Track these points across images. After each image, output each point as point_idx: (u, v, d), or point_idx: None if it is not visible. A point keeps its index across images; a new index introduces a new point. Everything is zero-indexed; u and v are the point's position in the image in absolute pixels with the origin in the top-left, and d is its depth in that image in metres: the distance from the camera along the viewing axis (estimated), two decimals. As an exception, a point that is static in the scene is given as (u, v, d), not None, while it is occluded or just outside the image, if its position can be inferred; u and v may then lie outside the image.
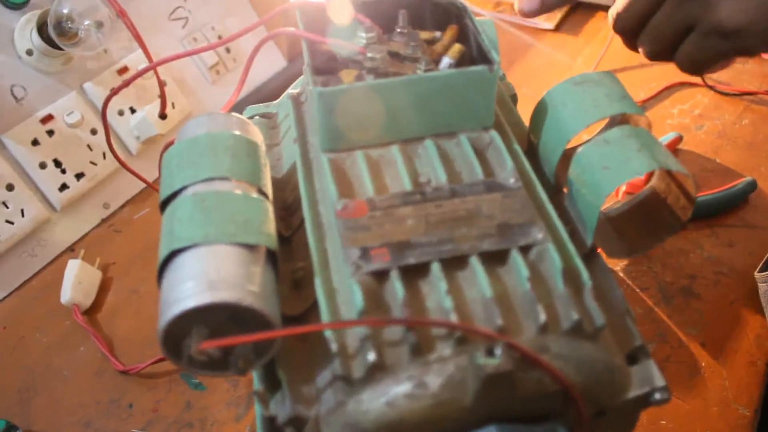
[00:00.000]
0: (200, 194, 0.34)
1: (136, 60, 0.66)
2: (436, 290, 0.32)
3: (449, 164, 0.37)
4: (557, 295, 0.32)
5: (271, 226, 0.34)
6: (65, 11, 0.59)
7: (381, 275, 0.32)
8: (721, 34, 0.40)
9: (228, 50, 0.72)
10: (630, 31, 0.46)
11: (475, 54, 0.40)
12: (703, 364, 0.53)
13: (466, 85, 0.37)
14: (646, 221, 0.39)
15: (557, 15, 0.80)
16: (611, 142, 0.36)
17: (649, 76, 0.75)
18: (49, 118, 0.62)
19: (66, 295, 0.58)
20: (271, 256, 0.33)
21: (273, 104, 0.45)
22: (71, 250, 0.63)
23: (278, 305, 0.32)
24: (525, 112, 0.45)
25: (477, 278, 0.32)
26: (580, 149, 0.37)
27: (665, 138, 0.67)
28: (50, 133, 0.62)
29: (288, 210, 0.39)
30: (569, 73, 0.76)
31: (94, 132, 0.64)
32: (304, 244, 0.35)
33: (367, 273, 0.32)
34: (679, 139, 0.68)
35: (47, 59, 0.62)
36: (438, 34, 0.41)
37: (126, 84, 0.44)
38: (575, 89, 0.39)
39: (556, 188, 0.40)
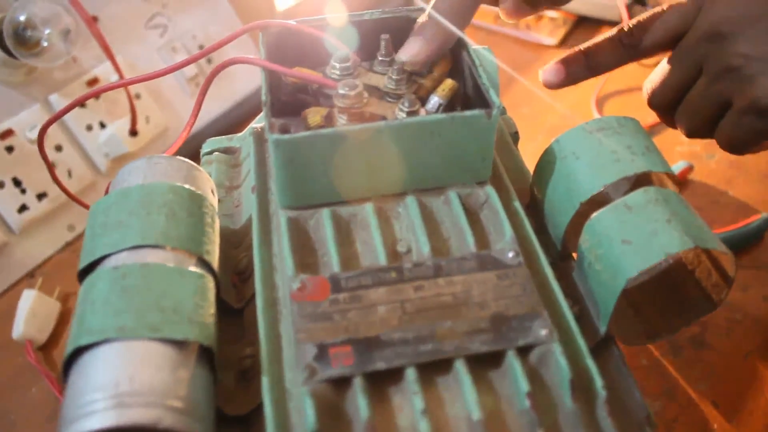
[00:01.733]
0: (122, 269, 0.25)
1: (108, 71, 0.57)
2: (410, 406, 0.23)
3: (435, 229, 0.29)
4: (564, 413, 0.24)
5: (209, 311, 0.25)
6: (22, 18, 0.50)
7: (342, 382, 0.24)
8: (758, 113, 0.33)
9: (209, 60, 0.63)
10: (666, 107, 0.39)
11: (470, 92, 0.31)
12: (716, 426, 0.45)
13: (458, 132, 0.28)
14: (669, 298, 0.31)
15: (561, 30, 0.71)
16: (634, 209, 0.28)
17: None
18: (8, 133, 0.53)
19: (18, 329, 0.49)
20: (207, 354, 0.25)
21: (237, 137, 0.37)
22: (30, 276, 0.55)
23: (212, 418, 0.24)
24: (526, 145, 0.37)
25: (463, 392, 0.23)
26: (594, 215, 0.28)
27: (675, 167, 0.58)
28: (9, 149, 0.53)
29: (241, 275, 0.30)
30: (572, 92, 0.67)
31: (59, 148, 0.55)
32: (257, 321, 0.27)
33: (324, 380, 0.23)
34: (690, 168, 0.59)
35: (7, 69, 0.53)
36: (427, 64, 0.32)
37: (67, 109, 0.35)
38: (590, 138, 0.30)
39: (562, 254, 0.31)
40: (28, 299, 0.50)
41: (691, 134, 0.38)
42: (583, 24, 0.74)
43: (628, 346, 0.38)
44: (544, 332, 0.25)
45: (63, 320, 0.52)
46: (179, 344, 0.24)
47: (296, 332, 0.25)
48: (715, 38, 0.33)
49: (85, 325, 0.24)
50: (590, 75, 0.37)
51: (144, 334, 0.23)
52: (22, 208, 0.53)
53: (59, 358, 0.50)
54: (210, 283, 0.26)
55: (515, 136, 0.36)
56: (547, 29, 0.71)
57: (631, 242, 0.27)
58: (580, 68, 0.36)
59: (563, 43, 0.72)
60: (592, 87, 0.66)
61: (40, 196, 0.54)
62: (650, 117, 0.64)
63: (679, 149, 0.62)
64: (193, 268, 0.26)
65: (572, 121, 0.64)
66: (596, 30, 0.74)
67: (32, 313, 0.50)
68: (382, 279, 0.26)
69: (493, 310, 0.25)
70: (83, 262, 0.27)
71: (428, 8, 0.33)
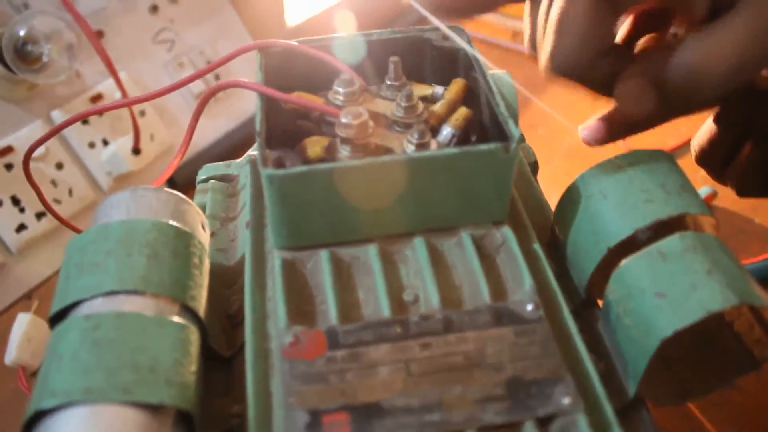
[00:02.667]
0: (94, 318, 0.22)
1: (112, 86, 0.55)
2: (414, 488, 0.20)
3: (445, 275, 0.25)
4: (590, 497, 0.20)
5: (190, 369, 0.22)
6: (22, 33, 0.47)
7: (336, 456, 0.20)
8: None
9: (217, 77, 0.60)
10: (715, 166, 0.35)
11: (486, 121, 0.28)
12: (743, 474, 0.41)
13: (473, 168, 0.24)
14: (704, 353, 0.27)
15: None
16: (669, 257, 0.24)
17: (677, 120, 0.62)
18: (8, 150, 0.50)
19: (11, 355, 0.46)
20: (186, 419, 0.21)
21: (235, 163, 0.33)
22: (27, 298, 0.52)
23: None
24: (542, 168, 0.33)
25: (475, 473, 0.20)
26: (624, 263, 0.25)
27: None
28: (8, 167, 0.50)
29: (232, 319, 0.27)
30: (590, 113, 0.63)
31: (59, 166, 0.52)
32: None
33: (316, 455, 0.20)
34: (714, 195, 0.55)
35: (8, 85, 0.50)
36: (439, 89, 0.29)
37: (55, 131, 0.32)
38: (619, 175, 0.26)
39: (586, 302, 0.27)
40: (23, 323, 0.47)
41: (741, 194, 0.35)
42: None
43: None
44: (567, 400, 0.21)
45: (59, 345, 0.49)
46: (154, 409, 0.20)
47: (286, 395, 0.21)
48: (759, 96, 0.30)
49: (49, 385, 0.21)
50: (632, 133, 0.32)
51: (114, 398, 0.20)
52: (21, 228, 0.51)
53: (53, 385, 0.46)
54: (193, 336, 0.23)
55: (534, 166, 0.33)
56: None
57: (666, 296, 0.23)
58: (621, 127, 0.32)
59: (581, 61, 0.68)
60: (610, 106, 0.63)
61: (40, 215, 0.51)
62: (671, 140, 0.60)
63: (702, 174, 0.58)
64: (175, 318, 0.23)
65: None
66: (615, 48, 0.70)
67: (26, 338, 0.47)
68: (385, 334, 0.23)
69: (510, 374, 0.22)
70: (54, 308, 0.24)
71: (443, 27, 0.29)
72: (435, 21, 0.28)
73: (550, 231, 0.30)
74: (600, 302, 0.28)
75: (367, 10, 0.68)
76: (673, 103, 0.27)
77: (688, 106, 0.27)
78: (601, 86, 0.29)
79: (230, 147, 0.59)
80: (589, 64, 0.27)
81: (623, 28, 0.32)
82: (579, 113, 0.62)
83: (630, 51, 0.31)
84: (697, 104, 0.28)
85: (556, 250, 0.29)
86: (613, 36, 0.28)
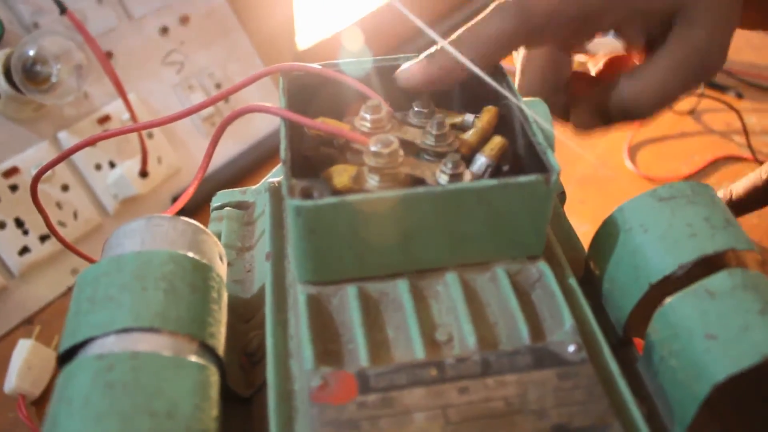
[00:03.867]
0: (108, 358, 0.20)
1: (120, 108, 0.53)
2: None
3: (480, 313, 0.23)
4: None
5: (211, 415, 0.20)
6: (31, 53, 0.46)
7: None
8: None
9: (227, 100, 0.58)
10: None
11: (521, 151, 0.26)
12: None
13: (510, 200, 0.23)
14: (750, 394, 0.26)
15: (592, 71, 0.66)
16: (717, 296, 0.22)
17: (692, 147, 0.61)
18: (13, 171, 0.49)
19: (10, 383, 0.44)
20: (204, 470, 0.20)
21: (251, 190, 0.32)
22: (28, 323, 0.50)
23: None
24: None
25: None
26: (668, 301, 0.23)
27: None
28: (13, 188, 0.48)
29: (251, 357, 0.25)
30: (602, 140, 0.62)
31: (65, 188, 0.51)
32: (268, 416, 0.22)
33: None
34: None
35: (15, 105, 0.49)
36: (469, 117, 0.28)
37: (65, 155, 0.31)
38: (660, 208, 0.25)
39: (623, 340, 0.26)
40: (24, 350, 0.45)
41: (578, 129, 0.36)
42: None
43: None
44: (617, 451, 0.20)
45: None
46: (172, 460, 0.19)
47: (315, 445, 0.19)
48: None
49: (58, 433, 0.19)
50: (448, 80, 0.29)
51: (129, 448, 0.18)
52: (24, 251, 0.49)
53: (53, 416, 0.44)
54: (213, 377, 0.21)
55: (562, 197, 0.31)
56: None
57: (717, 338, 0.22)
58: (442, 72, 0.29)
59: (592, 88, 0.67)
60: (623, 135, 0.62)
61: (44, 238, 0.49)
62: (685, 168, 0.59)
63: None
64: (193, 358, 0.21)
65: (603, 172, 0.59)
66: (625, 75, 0.69)
67: (27, 365, 0.45)
68: (419, 377, 0.21)
69: (554, 421, 0.20)
70: (63, 345, 0.22)
71: (455, 52, 0.28)
72: (472, 66, 0.27)
73: (581, 266, 0.28)
74: (636, 341, 0.27)
75: (376, 34, 0.67)
76: (613, 124, 0.33)
77: (625, 124, 0.33)
78: (560, 113, 0.35)
79: (237, 171, 0.57)
80: (547, 96, 0.33)
81: (597, 67, 0.39)
82: (590, 141, 0.61)
83: (583, 83, 0.37)
84: (632, 123, 0.34)
85: (591, 285, 0.27)
86: (566, 75, 0.35)
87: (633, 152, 0.60)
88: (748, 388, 0.26)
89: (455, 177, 0.24)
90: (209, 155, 0.27)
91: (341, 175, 0.24)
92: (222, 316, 0.24)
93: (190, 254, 0.24)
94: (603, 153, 0.60)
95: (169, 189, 0.55)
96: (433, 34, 0.28)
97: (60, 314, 0.51)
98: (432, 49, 0.28)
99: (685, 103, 0.64)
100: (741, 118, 0.60)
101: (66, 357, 0.22)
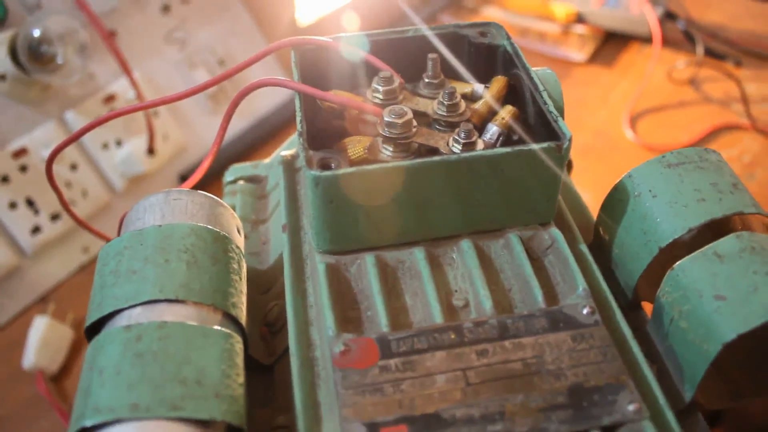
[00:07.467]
0: (136, 329, 0.21)
1: (125, 87, 0.53)
2: (481, 504, 0.18)
3: (494, 278, 0.24)
4: None
5: (238, 381, 0.21)
6: (36, 34, 0.45)
7: (396, 471, 0.19)
8: None
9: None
10: None
11: (531, 119, 0.26)
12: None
13: (523, 168, 0.23)
14: (758, 353, 0.26)
15: (590, 46, 0.66)
16: (726, 259, 0.23)
17: (691, 116, 0.61)
18: (22, 151, 0.49)
19: (29, 359, 0.44)
20: (235, 433, 0.20)
21: (263, 164, 0.32)
22: (43, 301, 0.50)
23: None
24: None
25: (543, 487, 0.19)
26: (678, 264, 0.23)
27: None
28: (23, 168, 0.48)
29: (271, 327, 0.25)
30: (603, 109, 0.62)
31: (74, 167, 0.51)
32: (290, 383, 0.22)
33: (376, 471, 0.19)
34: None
35: (21, 86, 0.48)
36: (478, 86, 0.28)
37: (77, 136, 0.31)
38: (669, 174, 0.25)
39: (632, 303, 0.26)
40: (40, 327, 0.46)
41: None
42: (612, 39, 0.69)
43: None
44: (632, 407, 0.20)
45: (75, 348, 0.48)
46: (204, 424, 0.19)
47: (341, 407, 0.20)
48: None
49: (92, 401, 0.19)
50: None
51: (162, 414, 0.19)
52: (36, 230, 0.49)
53: (71, 389, 0.45)
54: (238, 345, 0.22)
55: (569, 166, 0.32)
56: (575, 45, 0.67)
57: (725, 299, 0.22)
58: None
59: (592, 59, 0.67)
60: (623, 104, 0.62)
61: (54, 217, 0.49)
62: (685, 136, 0.59)
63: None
64: (218, 327, 0.21)
65: (604, 140, 0.59)
66: (625, 45, 0.69)
67: (44, 342, 0.45)
68: (439, 341, 0.21)
69: (571, 381, 0.21)
70: (90, 318, 0.22)
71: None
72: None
73: (591, 232, 0.28)
74: (644, 304, 0.27)
75: (376, 11, 0.67)
76: None
77: None
78: None
79: (242, 147, 0.57)
80: None
81: None
82: (591, 111, 0.61)
83: None
84: None
85: (599, 251, 0.27)
86: None
87: (633, 121, 0.60)
88: (755, 348, 0.27)
89: (468, 146, 0.24)
90: (224, 128, 0.27)
91: (355, 146, 0.25)
92: (243, 286, 0.24)
93: (210, 227, 0.24)
94: (604, 121, 0.60)
95: (175, 166, 0.55)
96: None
97: (73, 292, 0.51)
98: None
99: (684, 72, 0.64)
100: (740, 87, 0.60)
101: (92, 330, 0.22)
